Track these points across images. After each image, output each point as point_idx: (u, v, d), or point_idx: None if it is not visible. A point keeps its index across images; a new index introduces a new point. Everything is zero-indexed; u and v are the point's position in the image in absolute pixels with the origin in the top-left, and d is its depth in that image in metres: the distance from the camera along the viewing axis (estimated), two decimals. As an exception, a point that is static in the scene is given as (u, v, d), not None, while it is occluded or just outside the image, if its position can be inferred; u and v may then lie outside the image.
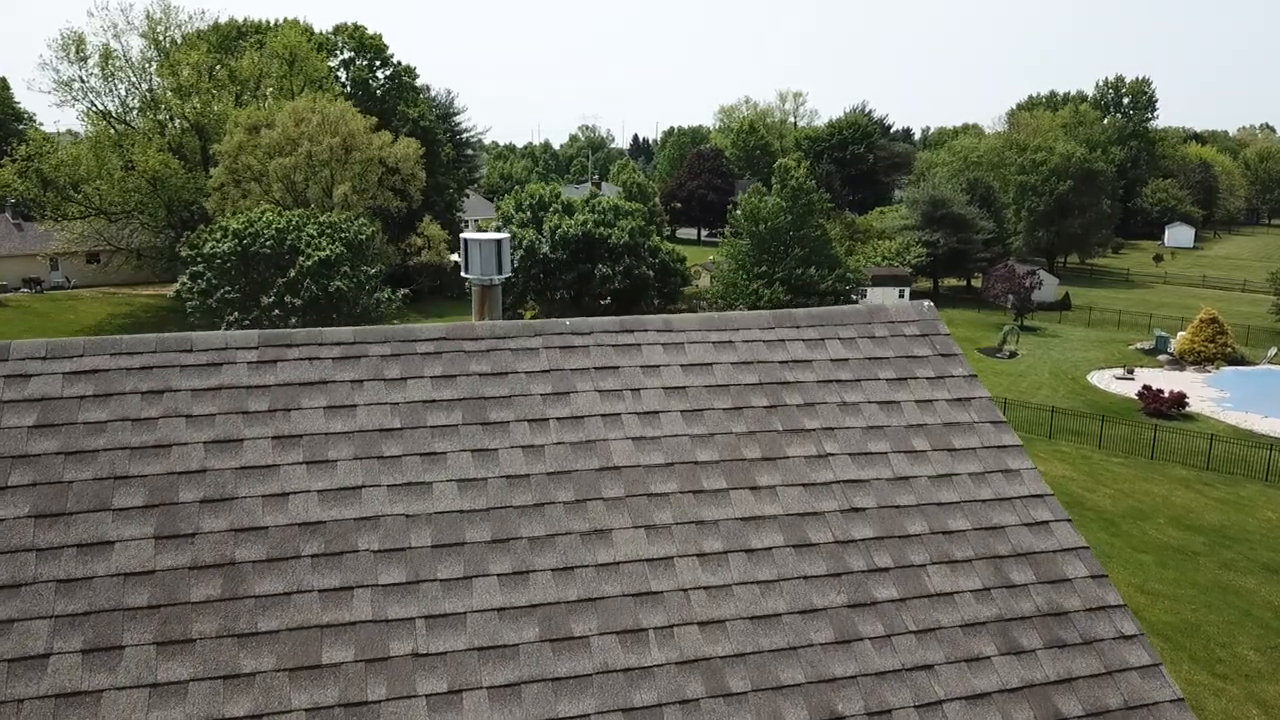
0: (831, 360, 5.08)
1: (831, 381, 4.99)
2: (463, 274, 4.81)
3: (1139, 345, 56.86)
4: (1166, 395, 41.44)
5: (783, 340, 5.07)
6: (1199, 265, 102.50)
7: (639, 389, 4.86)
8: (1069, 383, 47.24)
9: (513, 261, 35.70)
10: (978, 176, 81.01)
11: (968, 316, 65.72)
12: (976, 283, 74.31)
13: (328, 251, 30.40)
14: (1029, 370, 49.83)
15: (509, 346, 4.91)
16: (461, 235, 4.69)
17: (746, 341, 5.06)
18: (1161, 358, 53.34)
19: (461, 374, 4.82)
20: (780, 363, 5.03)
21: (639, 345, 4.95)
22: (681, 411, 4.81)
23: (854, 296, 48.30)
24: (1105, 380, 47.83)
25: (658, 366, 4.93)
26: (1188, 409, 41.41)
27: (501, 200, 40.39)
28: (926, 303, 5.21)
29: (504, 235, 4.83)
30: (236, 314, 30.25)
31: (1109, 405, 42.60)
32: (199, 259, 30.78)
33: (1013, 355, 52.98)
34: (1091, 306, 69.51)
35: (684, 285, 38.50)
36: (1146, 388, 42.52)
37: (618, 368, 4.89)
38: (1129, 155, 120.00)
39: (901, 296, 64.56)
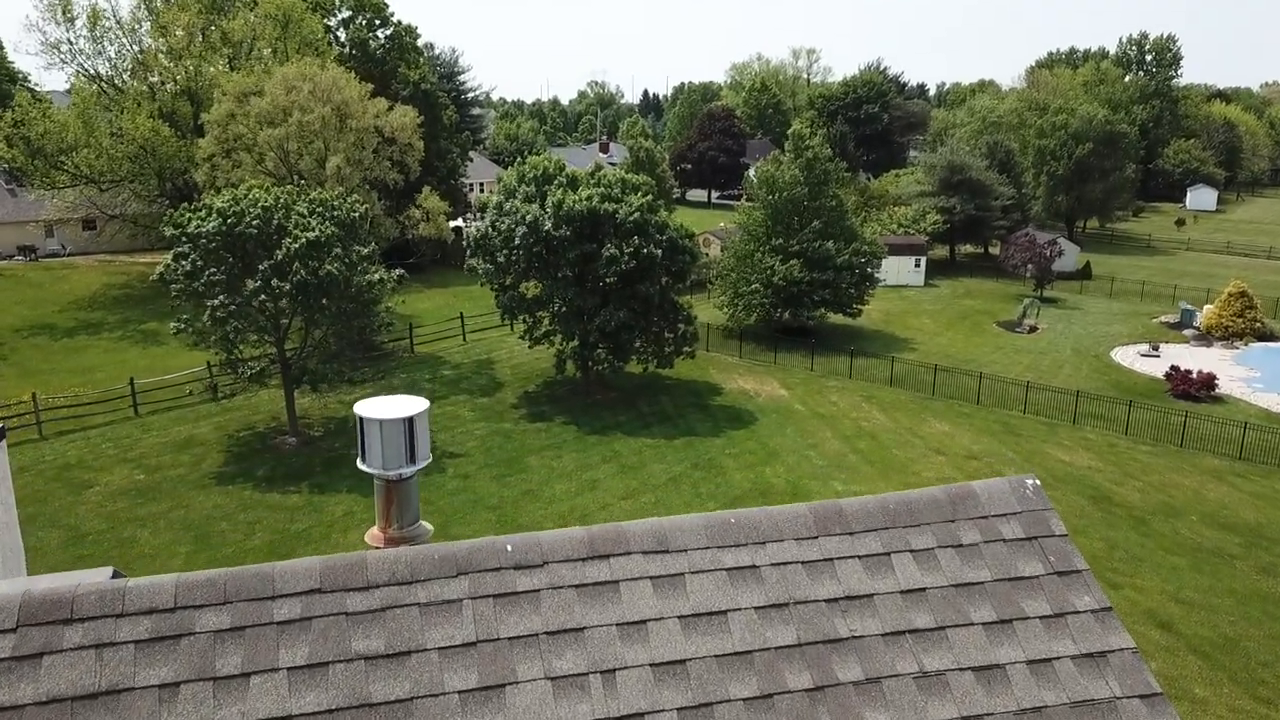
0: (902, 593, 3.43)
1: (904, 633, 3.35)
2: (359, 463, 3.30)
3: (1163, 319, 54.97)
4: (1195, 377, 39.74)
5: (829, 559, 3.41)
6: (1222, 230, 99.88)
7: (614, 669, 3.19)
8: (1092, 360, 45.52)
9: (514, 238, 34.14)
10: (997, 139, 78.45)
11: (985, 287, 63.82)
12: (994, 249, 72.20)
13: (317, 232, 28.78)
14: (1050, 347, 48.09)
15: (416, 600, 3.23)
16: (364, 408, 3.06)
17: (777, 565, 3.40)
18: (1187, 332, 51.50)
19: (338, 659, 3.15)
20: (828, 601, 3.37)
21: (616, 584, 3.32)
22: (679, 710, 3.16)
23: (871, 270, 46.47)
24: (1130, 358, 46.09)
25: (644, 623, 3.28)
26: (1217, 390, 39.71)
27: (504, 172, 38.45)
28: (1030, 480, 3.66)
29: (419, 409, 3.31)
30: (222, 298, 28.74)
31: (1134, 386, 40.94)
32: (184, 238, 29.22)
33: (1033, 330, 51.20)
34: (1113, 276, 67.45)
35: (692, 263, 36.73)
36: (1174, 368, 40.80)
37: (583, 629, 3.25)
38: (1151, 115, 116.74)
39: (917, 266, 62.63)
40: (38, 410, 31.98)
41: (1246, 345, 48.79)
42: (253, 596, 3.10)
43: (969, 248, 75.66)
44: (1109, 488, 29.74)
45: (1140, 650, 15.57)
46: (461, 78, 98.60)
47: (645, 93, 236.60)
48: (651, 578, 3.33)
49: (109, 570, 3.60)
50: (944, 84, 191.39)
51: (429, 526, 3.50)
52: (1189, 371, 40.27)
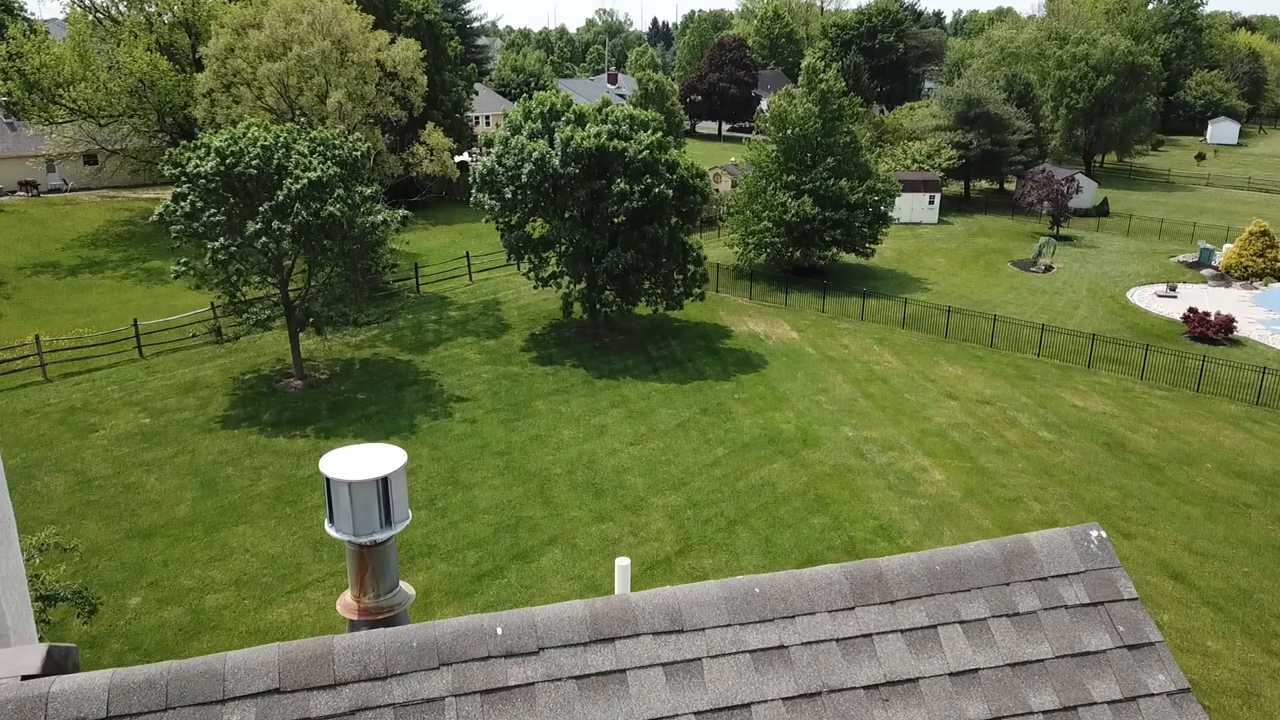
0: (951, 675, 2.94)
1: (956, 731, 2.94)
2: (328, 526, 2.84)
3: (1182, 258, 53.98)
4: (1213, 319, 39.04)
5: (868, 635, 2.93)
6: (1243, 164, 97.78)
7: (620, 786, 2.71)
8: (1108, 301, 44.78)
9: (521, 175, 33.33)
10: (1016, 72, 76.36)
11: (1000, 224, 62.71)
12: (1010, 186, 70.81)
13: (318, 173, 28.08)
14: (1065, 287, 47.31)
15: (391, 699, 2.69)
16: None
17: (808, 644, 2.90)
18: (1205, 272, 50.58)
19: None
20: (866, 689, 2.88)
21: (623, 673, 2.81)
22: None
23: (884, 209, 45.48)
24: (1146, 299, 45.32)
25: (655, 723, 2.84)
26: (1235, 333, 39.05)
27: (510, 108, 37.34)
28: (1095, 532, 3.19)
29: (394, 464, 2.84)
30: (223, 239, 28.20)
31: (1151, 328, 40.28)
32: (183, 178, 28.57)
33: (1048, 270, 50.33)
34: (1131, 213, 66.16)
35: (703, 203, 35.92)
36: (1192, 310, 40.06)
37: (584, 733, 2.82)
38: (1174, 45, 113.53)
39: (931, 203, 61.47)
40: (41, 352, 31.70)
41: (1266, 286, 47.93)
42: (200, 700, 2.65)
43: (984, 184, 74.24)
44: (1123, 434, 29.35)
45: (1150, 601, 15.19)
46: (466, 6, 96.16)
47: (654, 21, 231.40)
48: (664, 664, 2.83)
49: (43, 648, 3.18)
50: (961, 12, 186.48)
51: (410, 591, 3.08)
52: (1207, 313, 39.56)
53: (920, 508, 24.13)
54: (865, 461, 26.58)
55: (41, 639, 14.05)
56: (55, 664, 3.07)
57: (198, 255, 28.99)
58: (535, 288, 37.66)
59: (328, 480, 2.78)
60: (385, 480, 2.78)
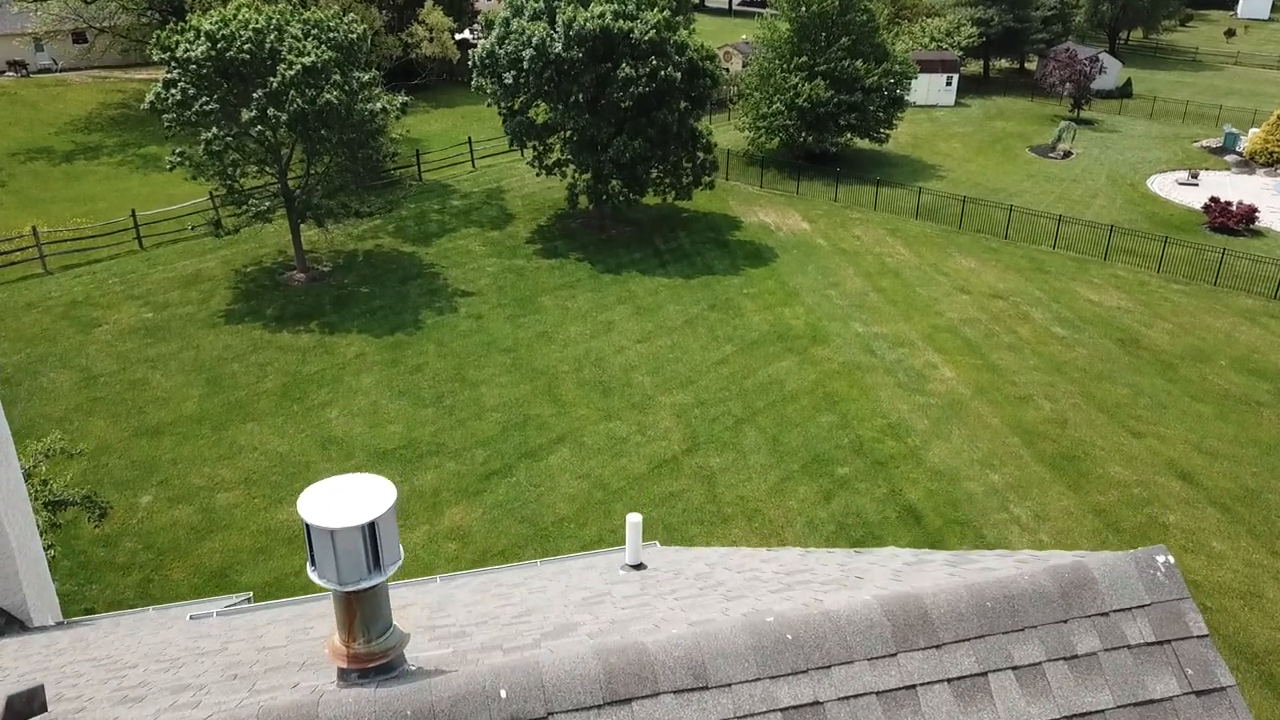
0: None
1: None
2: (310, 570, 2.51)
3: (1205, 143, 52.40)
4: (1235, 209, 38.08)
5: (912, 686, 2.61)
6: (1275, 41, 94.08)
7: None
8: (1127, 190, 43.66)
9: (521, 61, 32.02)
10: (1042, -60, 72.52)
11: (1019, 107, 60.74)
12: (1031, 66, 68.29)
13: (313, 58, 26.95)
14: (1084, 174, 46.08)
15: None
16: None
17: (845, 700, 2.58)
18: (1229, 158, 49.15)
19: None
20: None
21: None
22: None
23: (900, 92, 43.87)
24: (1167, 186, 44.17)
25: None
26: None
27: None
28: (1162, 558, 2.84)
29: (383, 505, 2.47)
30: (216, 129, 27.33)
31: (1170, 218, 39.37)
32: (172, 63, 27.48)
33: (1067, 155, 48.95)
34: (1155, 95, 63.94)
35: (713, 86, 34.62)
36: (1214, 200, 39.05)
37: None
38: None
39: (949, 85, 59.41)
40: (40, 244, 31.21)
41: (1291, 173, 46.61)
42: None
43: (1004, 64, 71.63)
44: (1137, 330, 28.96)
45: (1157, 502, 15.10)
46: None
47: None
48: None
49: (2, 699, 2.90)
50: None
51: (404, 633, 2.79)
52: (1228, 203, 38.58)
53: (929, 406, 23.99)
54: (875, 359, 26.32)
55: (50, 548, 13.99)
56: (16, 713, 2.83)
57: (192, 145, 28.14)
58: (539, 175, 36.74)
59: (308, 526, 2.46)
60: (373, 525, 2.46)
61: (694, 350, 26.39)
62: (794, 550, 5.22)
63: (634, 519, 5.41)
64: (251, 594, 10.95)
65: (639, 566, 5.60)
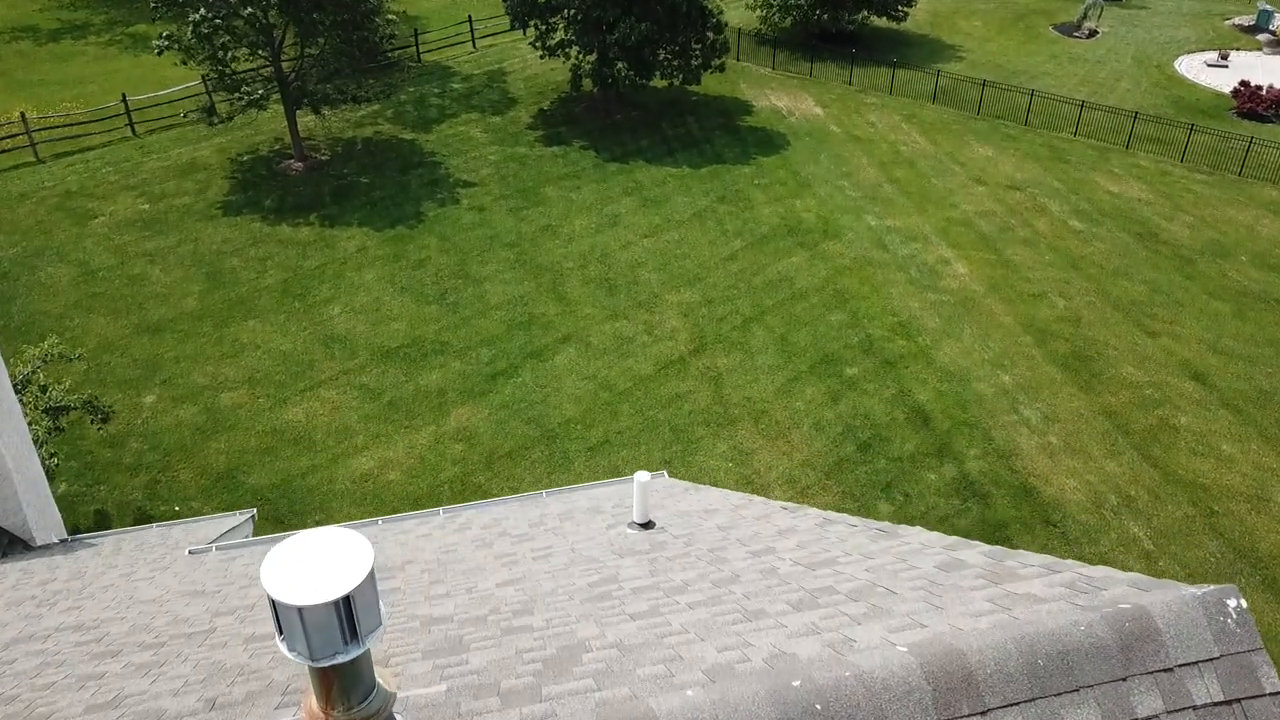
0: None
1: None
2: (278, 641, 2.19)
3: (1237, 20, 50.10)
4: (1265, 94, 36.64)
5: None
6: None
7: None
8: (1153, 72, 41.95)
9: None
10: None
11: (1044, -20, 57.88)
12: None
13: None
14: (1109, 55, 44.22)
15: None
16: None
17: None
18: (1261, 38, 47.07)
19: None
20: None
21: None
22: None
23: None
24: (1195, 69, 42.43)
25: None
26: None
27: None
28: (1233, 601, 2.46)
29: (356, 575, 2.11)
30: (204, 10, 26.04)
31: (1197, 103, 37.93)
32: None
33: (1093, 34, 46.90)
34: (1188, -33, 60.80)
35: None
36: (1244, 84, 37.55)
37: None
38: None
39: (971, -43, 56.43)
40: (29, 130, 30.32)
41: (1325, 54, 44.68)
42: None
43: (1030, -68, 67.96)
44: (1157, 223, 28.23)
45: (1169, 404, 14.83)
46: None
47: None
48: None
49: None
50: None
51: (389, 691, 2.51)
52: (1259, 87, 37.10)
53: (941, 303, 23.57)
54: (887, 254, 25.75)
55: (52, 456, 13.89)
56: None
57: (180, 27, 26.95)
58: (542, 57, 35.28)
59: (272, 603, 2.14)
60: (348, 599, 2.14)
61: (702, 245, 25.82)
62: (812, 514, 4.95)
63: (642, 478, 5.14)
64: (255, 511, 10.87)
65: (647, 525, 5.36)
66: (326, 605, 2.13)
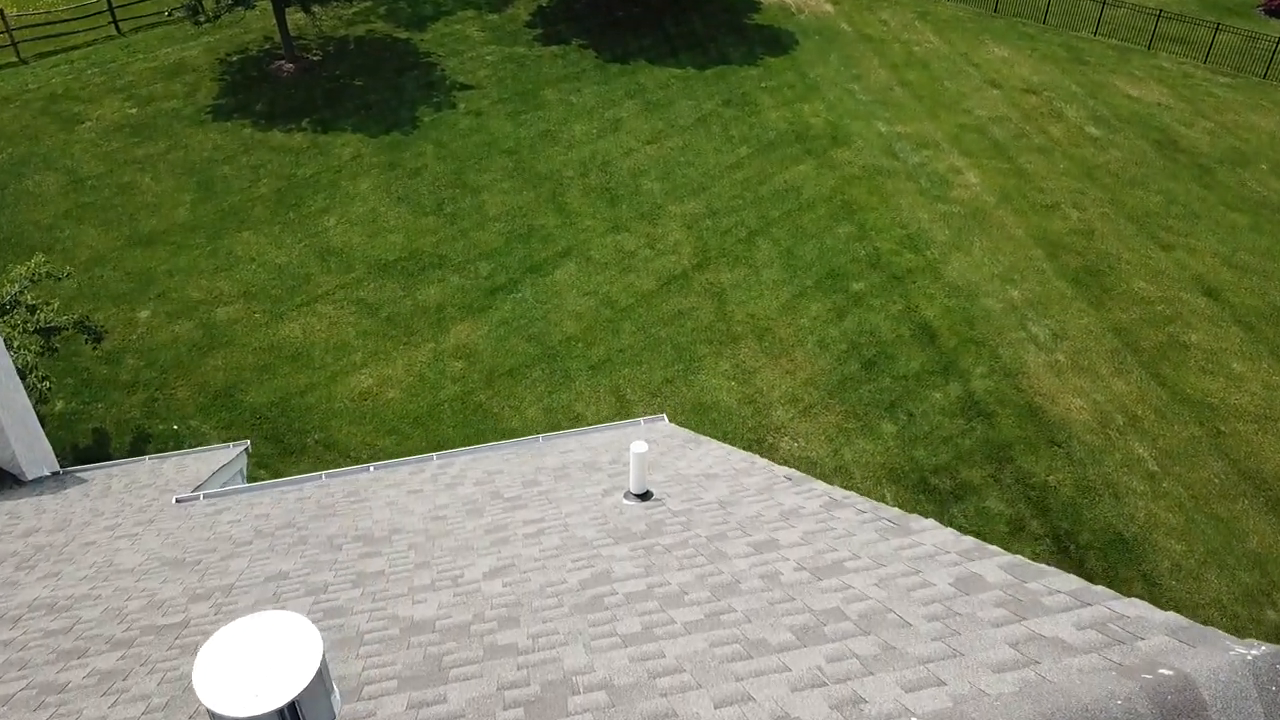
0: None
1: None
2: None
3: (1271, -92, 47.66)
4: (1296, -11, 35.11)
5: None
6: None
7: None
8: (1180, -35, 40.11)
9: None
10: None
11: None
12: None
13: None
14: (1134, -54, 42.20)
15: None
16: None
17: None
18: (1295, -73, 44.83)
19: None
20: None
21: None
22: None
23: None
24: (1223, -38, 40.52)
25: None
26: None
27: None
28: None
29: (304, 679, 1.84)
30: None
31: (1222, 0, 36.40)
32: None
33: (1118, -76, 44.67)
34: None
35: None
36: (1274, -21, 35.92)
37: None
38: None
39: None
40: (10, 29, 29.22)
41: (1361, -55, 42.62)
42: None
43: None
44: (1176, 129, 27.35)
45: (1180, 320, 14.45)
46: None
47: None
48: None
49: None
50: None
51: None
52: (1290, -17, 35.51)
53: (951, 215, 22.99)
54: (897, 162, 25.02)
55: (44, 379, 13.64)
56: None
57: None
58: (542, -50, 33.79)
59: (210, 712, 1.88)
60: (294, 706, 1.87)
61: (707, 153, 25.07)
62: (818, 491, 4.70)
63: (639, 449, 4.88)
64: (249, 443, 10.69)
65: (645, 496, 5.12)
66: (269, 715, 1.88)
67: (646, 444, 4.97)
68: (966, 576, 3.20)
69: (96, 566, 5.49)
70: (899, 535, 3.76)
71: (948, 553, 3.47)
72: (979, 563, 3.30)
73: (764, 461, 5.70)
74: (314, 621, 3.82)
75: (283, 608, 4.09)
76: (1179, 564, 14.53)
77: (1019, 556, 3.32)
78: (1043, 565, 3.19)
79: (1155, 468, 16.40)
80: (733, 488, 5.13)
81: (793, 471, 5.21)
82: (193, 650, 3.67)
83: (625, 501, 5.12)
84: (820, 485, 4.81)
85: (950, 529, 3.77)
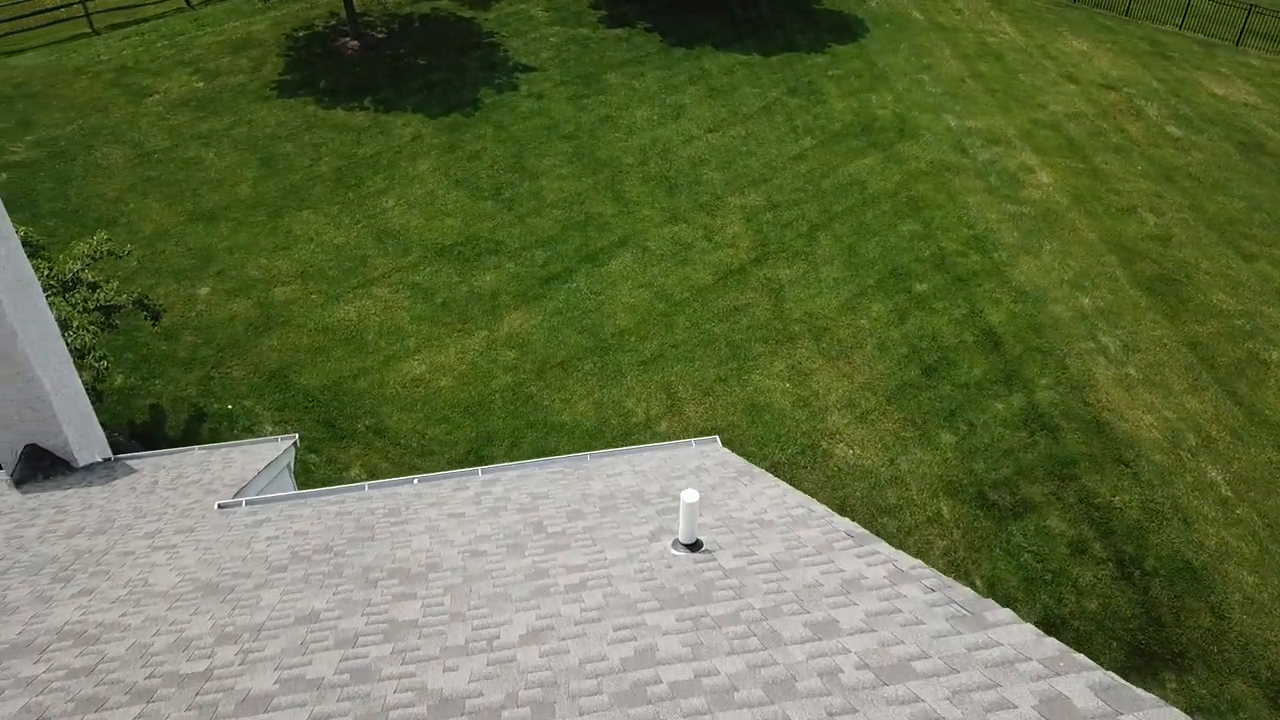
0: None
1: None
2: None
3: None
4: (1401, -15, 33.26)
5: None
6: None
7: None
8: (1275, -44, 38.31)
9: None
10: None
11: None
12: None
13: None
14: (1227, -65, 40.40)
15: None
16: None
17: None
18: (1402, -83, 42.52)
19: None
20: None
21: None
22: None
23: None
24: (1322, -47, 38.59)
25: None
26: None
27: None
28: None
29: None
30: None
31: (1321, -6, 34.65)
32: None
33: (1210, -89, 42.77)
34: None
35: None
36: (1377, -27, 34.08)
37: None
38: None
39: None
40: (84, 0, 29.67)
41: None
42: None
43: None
44: (1263, 131, 26.14)
45: (1260, 335, 13.73)
46: None
47: None
48: None
49: None
50: None
51: None
52: (1394, -23, 33.67)
53: (1021, 216, 22.23)
54: (966, 158, 24.26)
55: (103, 359, 13.74)
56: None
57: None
58: (610, -70, 33.30)
59: None
60: None
61: (769, 142, 24.55)
62: (882, 554, 4.38)
63: (689, 498, 4.60)
64: (298, 438, 10.62)
65: (694, 546, 4.85)
66: None
67: (697, 492, 4.69)
68: (1053, 697, 2.88)
69: (131, 586, 5.38)
70: (972, 629, 3.44)
71: (1029, 659, 3.14)
72: (1066, 679, 2.97)
73: (822, 509, 5.39)
74: (340, 685, 3.62)
75: (309, 662, 3.90)
76: (1251, 597, 13.88)
77: (1111, 674, 2.98)
78: (1138, 691, 2.85)
79: (1229, 493, 15.69)
80: (788, 541, 4.83)
81: (853, 526, 4.89)
82: (214, 709, 3.50)
83: (674, 551, 4.85)
84: (884, 548, 4.49)
85: (1030, 625, 3.43)
